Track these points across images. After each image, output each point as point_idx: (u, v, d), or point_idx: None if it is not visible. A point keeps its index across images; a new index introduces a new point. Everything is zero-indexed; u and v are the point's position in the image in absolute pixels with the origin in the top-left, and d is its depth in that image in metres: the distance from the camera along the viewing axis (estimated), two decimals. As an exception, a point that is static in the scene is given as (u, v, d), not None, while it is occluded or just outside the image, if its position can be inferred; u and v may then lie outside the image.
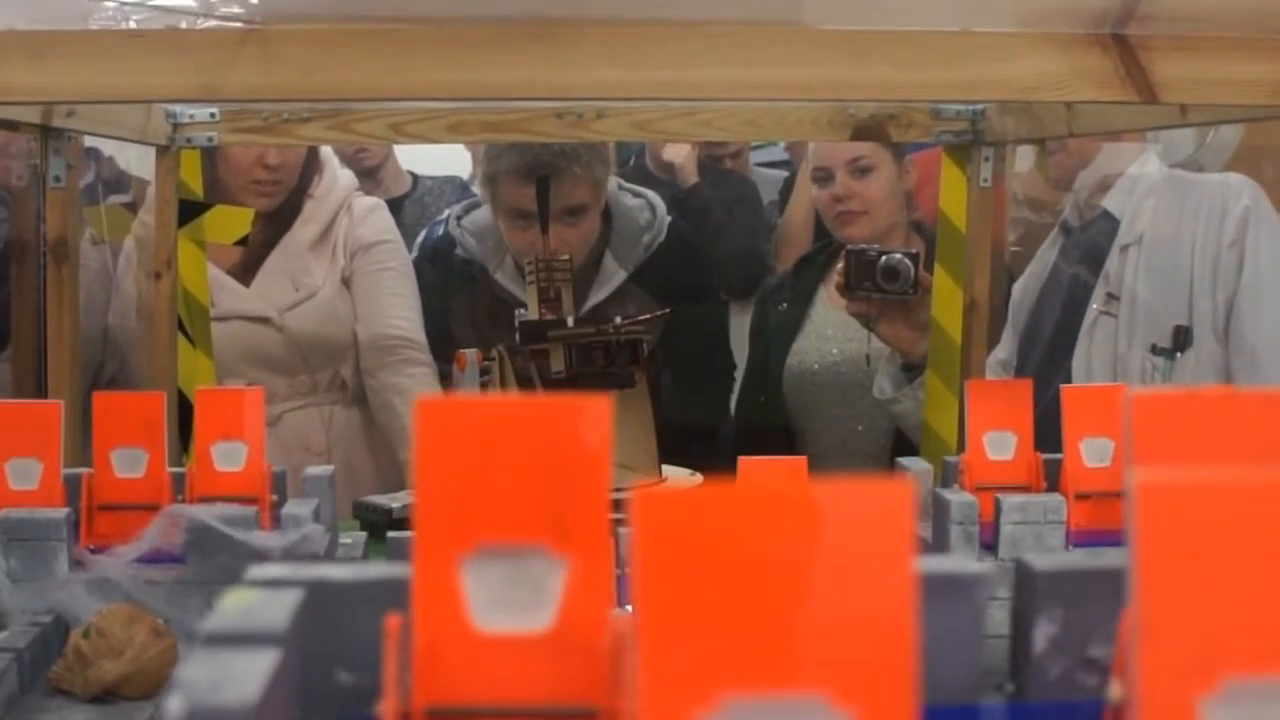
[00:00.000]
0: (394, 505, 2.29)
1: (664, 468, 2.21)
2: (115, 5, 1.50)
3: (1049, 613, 0.74)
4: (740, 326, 3.25)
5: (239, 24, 1.45)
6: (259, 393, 1.63)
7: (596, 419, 0.63)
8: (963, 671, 0.70)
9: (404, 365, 2.75)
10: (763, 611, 0.52)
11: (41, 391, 2.08)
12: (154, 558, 1.46)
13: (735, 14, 1.48)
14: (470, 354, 2.16)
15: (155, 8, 1.49)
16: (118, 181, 2.99)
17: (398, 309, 2.81)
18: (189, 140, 2.34)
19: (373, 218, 2.86)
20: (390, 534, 1.60)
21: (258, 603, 0.66)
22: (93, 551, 1.49)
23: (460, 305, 2.93)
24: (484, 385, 2.18)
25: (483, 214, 2.92)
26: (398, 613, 0.67)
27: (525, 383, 2.09)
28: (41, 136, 2.03)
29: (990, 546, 1.47)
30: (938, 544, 1.47)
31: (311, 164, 2.81)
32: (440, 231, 3.02)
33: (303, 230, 2.78)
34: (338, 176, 2.89)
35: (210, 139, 2.34)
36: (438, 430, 0.63)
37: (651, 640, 0.52)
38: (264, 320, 2.72)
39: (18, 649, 1.31)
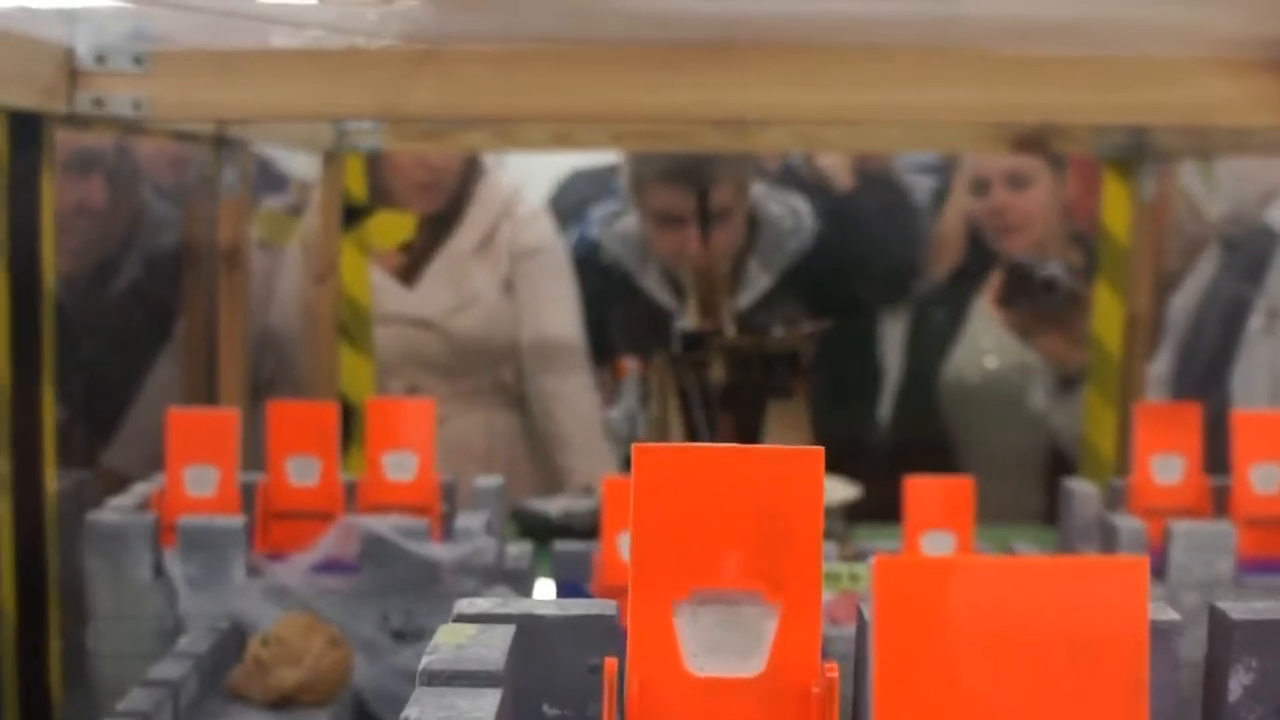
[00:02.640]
0: (552, 512, 2.31)
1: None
2: (295, 25, 1.53)
3: (1245, 662, 0.75)
4: (890, 334, 3.24)
5: (418, 44, 1.48)
6: (430, 404, 1.66)
7: (810, 466, 0.64)
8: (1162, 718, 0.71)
9: (565, 371, 2.77)
10: (996, 677, 0.53)
11: (211, 396, 2.12)
12: (328, 566, 1.50)
13: (906, 37, 1.49)
14: (630, 363, 2.18)
15: (335, 28, 1.52)
16: (275, 183, 3.03)
17: (559, 315, 2.82)
18: (354, 147, 2.38)
19: (535, 223, 2.88)
20: (557, 545, 1.63)
21: (471, 639, 0.67)
22: (267, 558, 1.53)
23: (611, 310, 2.95)
24: (643, 395, 2.19)
25: (628, 221, 2.94)
26: (606, 650, 0.68)
27: (684, 393, 2.10)
28: (214, 145, 2.07)
29: (1158, 572, 1.47)
30: (1106, 569, 1.46)
31: (473, 166, 2.84)
32: (588, 235, 3.04)
33: (466, 235, 2.80)
34: (500, 181, 2.91)
35: (374, 146, 2.38)
36: (654, 475, 0.64)
37: (886, 702, 0.53)
38: (427, 324, 2.75)
39: (198, 654, 1.34)
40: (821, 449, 0.64)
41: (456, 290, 2.77)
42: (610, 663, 0.64)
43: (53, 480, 1.55)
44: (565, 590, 1.61)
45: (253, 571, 1.47)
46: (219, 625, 1.41)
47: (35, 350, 1.50)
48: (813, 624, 0.64)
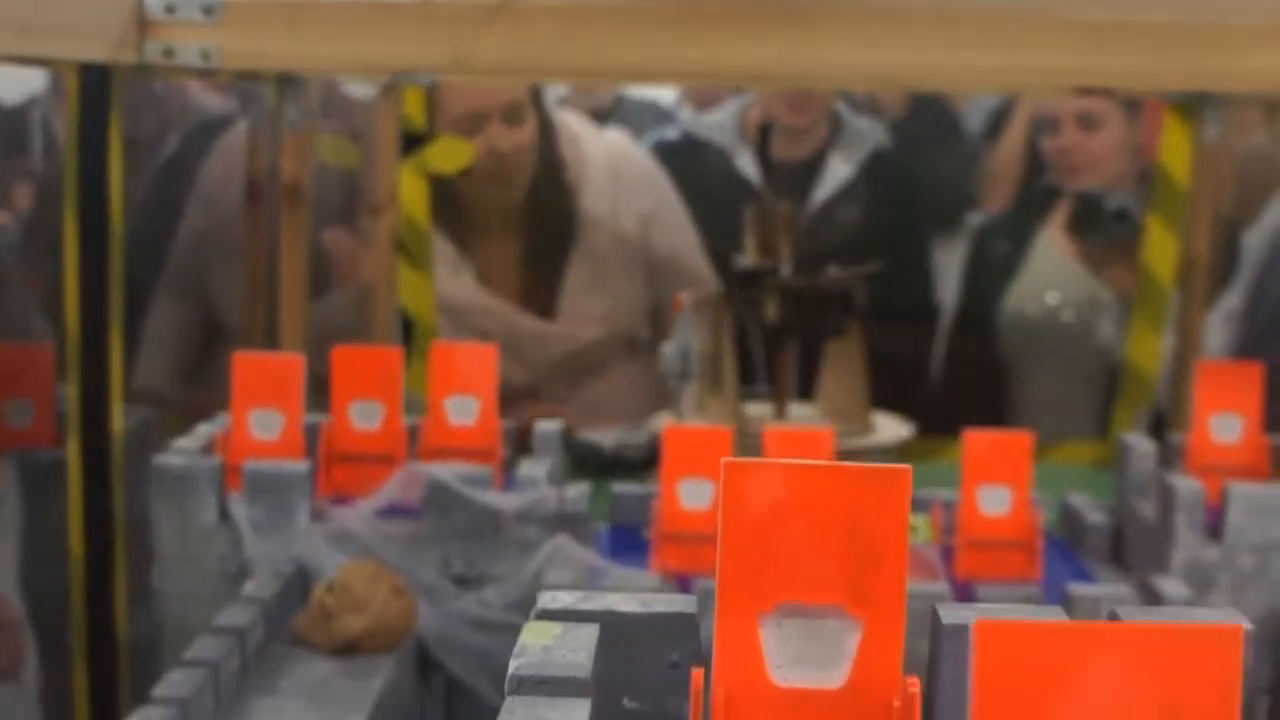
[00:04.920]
0: (605, 444, 2.31)
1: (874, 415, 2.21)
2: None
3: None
4: (945, 266, 3.22)
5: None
6: (492, 350, 1.67)
7: (897, 483, 0.65)
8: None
9: None
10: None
11: (272, 337, 2.11)
12: (390, 510, 1.51)
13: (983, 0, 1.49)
14: (685, 297, 2.17)
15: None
16: (335, 107, 3.02)
17: (692, 256, 2.76)
18: (412, 79, 2.36)
19: (647, 181, 2.72)
20: (615, 488, 1.65)
21: (556, 639, 0.69)
22: (330, 502, 1.55)
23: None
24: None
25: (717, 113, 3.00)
26: (687, 646, 0.70)
27: (740, 329, 2.11)
28: (276, 83, 2.06)
29: (1214, 533, 1.47)
30: (1163, 529, 1.47)
31: (551, 154, 2.72)
32: (657, 140, 3.04)
33: (579, 263, 2.69)
34: (603, 190, 2.73)
35: (433, 78, 2.37)
36: (742, 490, 0.65)
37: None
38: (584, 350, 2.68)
39: (264, 600, 1.36)
40: (908, 467, 0.65)
41: (601, 290, 2.68)
42: (697, 674, 0.65)
43: (120, 419, 1.57)
44: (621, 534, 1.63)
45: (316, 516, 1.49)
46: (284, 569, 1.43)
47: (103, 292, 1.51)
48: (895, 639, 0.65)
